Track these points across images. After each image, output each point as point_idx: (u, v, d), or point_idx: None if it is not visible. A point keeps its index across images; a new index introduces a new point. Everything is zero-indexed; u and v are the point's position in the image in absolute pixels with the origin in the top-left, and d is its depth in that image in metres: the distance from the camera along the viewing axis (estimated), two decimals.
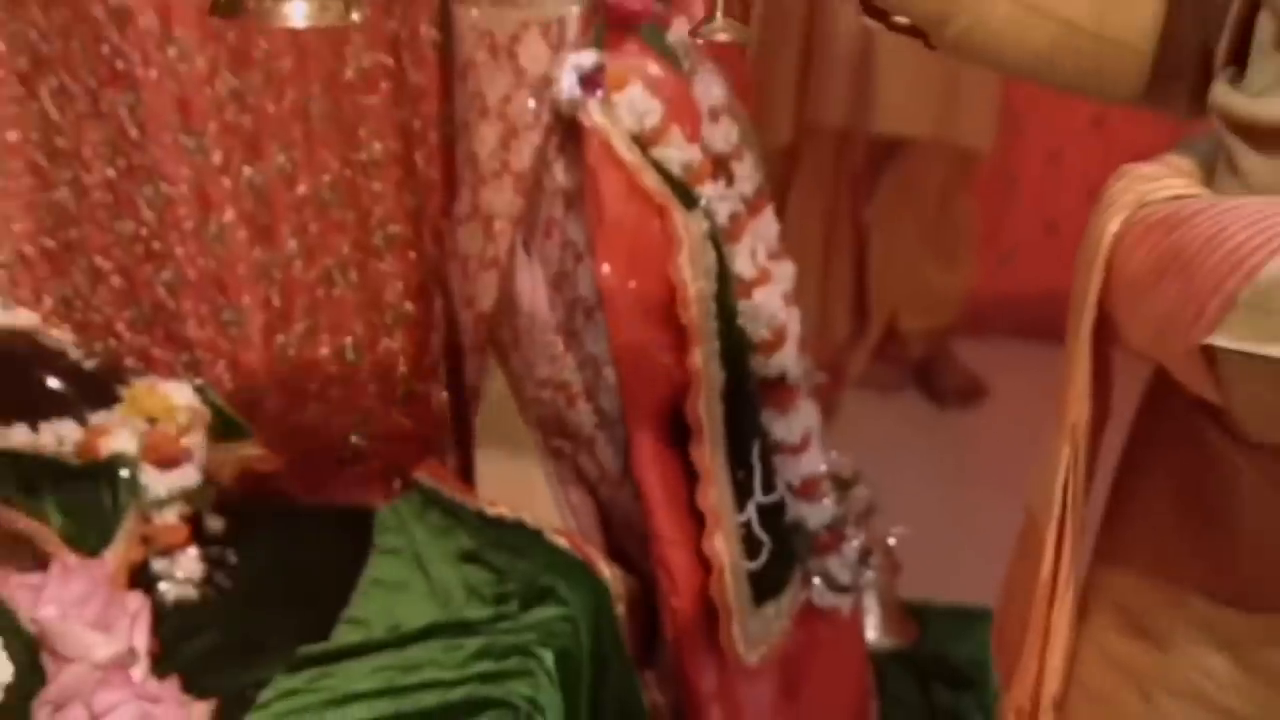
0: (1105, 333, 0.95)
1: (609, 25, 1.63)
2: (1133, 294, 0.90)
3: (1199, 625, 0.96)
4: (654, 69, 1.63)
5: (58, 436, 1.69)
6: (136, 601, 1.51)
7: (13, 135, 1.87)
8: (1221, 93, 0.92)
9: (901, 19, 1.08)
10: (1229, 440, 0.90)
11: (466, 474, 1.83)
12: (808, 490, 1.77)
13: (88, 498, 1.66)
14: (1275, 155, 0.87)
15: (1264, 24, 0.89)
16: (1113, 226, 0.91)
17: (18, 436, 1.70)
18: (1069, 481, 0.98)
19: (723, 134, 1.69)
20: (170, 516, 1.67)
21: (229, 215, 1.85)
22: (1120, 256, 0.90)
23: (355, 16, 1.09)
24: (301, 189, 1.87)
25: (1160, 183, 0.92)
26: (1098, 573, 1.06)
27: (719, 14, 1.01)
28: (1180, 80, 1.05)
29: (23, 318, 1.80)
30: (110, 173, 1.87)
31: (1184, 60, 1.04)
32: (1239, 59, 0.93)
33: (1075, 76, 1.11)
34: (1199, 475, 0.96)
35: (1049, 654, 1.01)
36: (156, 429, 1.69)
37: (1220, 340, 0.79)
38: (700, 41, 1.72)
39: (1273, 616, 0.92)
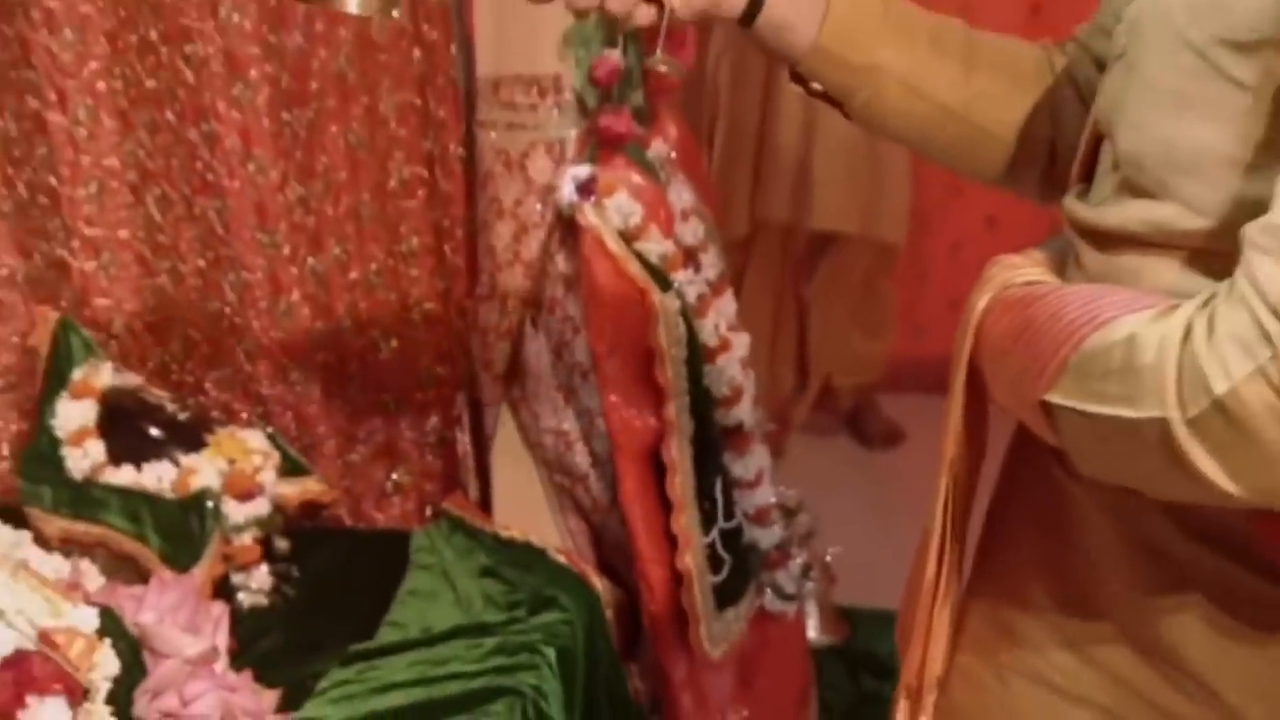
0: (976, 387, 0.96)
1: (601, 145, 1.63)
2: (994, 356, 0.92)
3: (1048, 625, 0.97)
4: (636, 179, 1.64)
5: (157, 475, 1.70)
6: (218, 609, 1.54)
7: (124, 234, 1.88)
8: (1071, 203, 0.94)
9: (818, 86, 1.11)
10: (1068, 475, 0.91)
11: (485, 505, 1.83)
12: (760, 518, 1.78)
13: (180, 525, 1.67)
14: (1109, 252, 0.89)
15: (1106, 150, 0.91)
16: (981, 302, 0.92)
17: (125, 475, 1.71)
18: (948, 505, 0.99)
19: (691, 231, 1.71)
20: (246, 539, 1.69)
21: (295, 295, 1.86)
22: (986, 326, 0.92)
23: (395, 14, 1.15)
24: (353, 274, 1.88)
25: (1021, 270, 0.93)
26: (975, 579, 1.07)
27: (660, 50, 1.06)
28: (1033, 169, 1.09)
29: (130, 379, 1.80)
30: (201, 263, 1.89)
31: (1037, 153, 1.09)
32: (1087, 176, 0.95)
33: (948, 153, 1.14)
34: (1050, 503, 0.97)
35: (933, 643, 1.02)
36: (235, 468, 1.71)
37: (1054, 398, 0.82)
38: (672, 156, 1.75)
39: (1105, 622, 0.94)
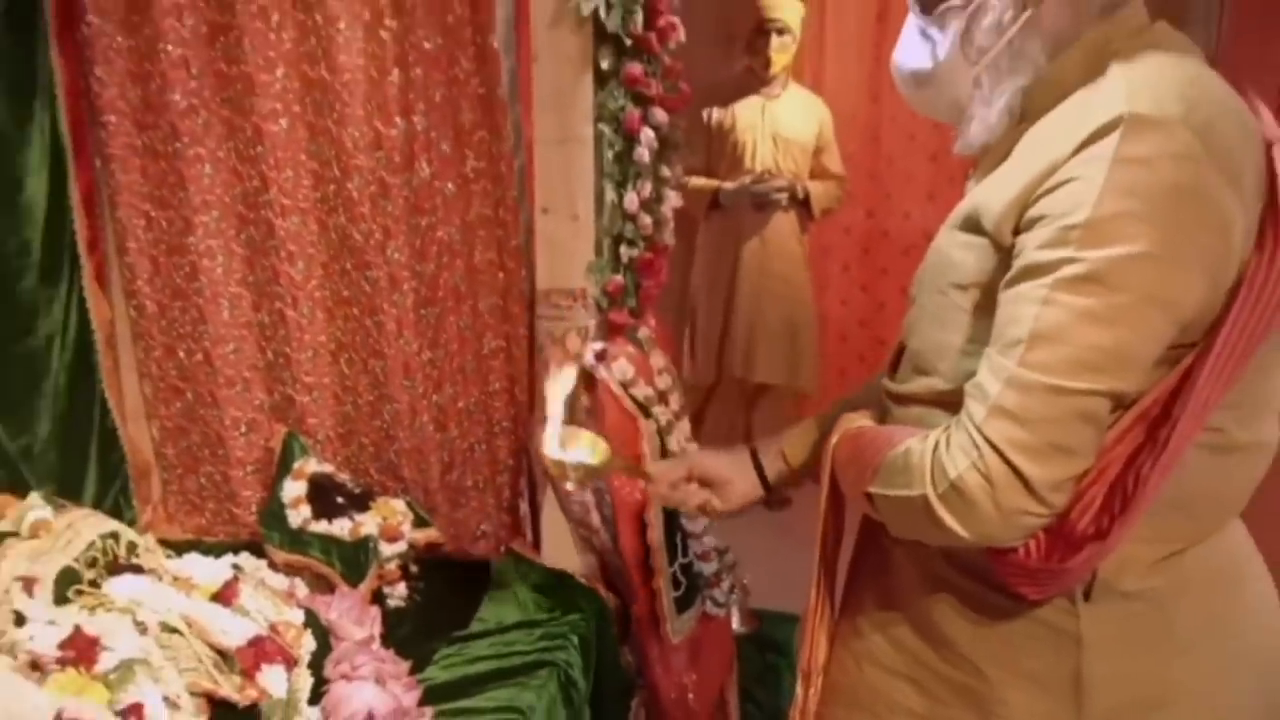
0: (835, 488, 0.96)
1: (609, 330, 1.67)
2: (841, 468, 0.92)
3: (876, 626, 0.96)
4: (630, 350, 1.68)
5: (341, 527, 1.73)
6: (374, 610, 1.56)
7: (326, 380, 1.86)
8: (886, 382, 0.96)
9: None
10: (887, 537, 0.91)
11: (537, 546, 1.81)
12: (704, 556, 1.79)
13: (354, 557, 1.69)
14: (904, 406, 0.91)
15: (906, 354, 0.94)
16: (834, 439, 0.94)
17: (322, 526, 1.73)
18: (823, 557, 1.00)
19: (664, 381, 1.73)
20: (392, 566, 1.70)
21: (425, 418, 1.83)
22: (837, 453, 0.93)
23: (589, 485, 1.12)
24: (460, 404, 1.85)
25: (857, 420, 0.95)
26: (844, 598, 1.04)
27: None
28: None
29: (327, 467, 1.82)
30: (370, 398, 1.86)
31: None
32: (894, 368, 0.97)
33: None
34: (880, 554, 0.96)
35: (817, 643, 1.00)
36: (387, 522, 1.72)
37: (872, 489, 0.84)
38: (652, 336, 1.74)
39: (906, 624, 0.92)
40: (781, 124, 2.78)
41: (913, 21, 0.85)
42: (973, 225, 0.80)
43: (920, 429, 0.84)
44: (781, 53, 2.72)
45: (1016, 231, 0.76)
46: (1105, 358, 0.72)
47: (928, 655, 0.91)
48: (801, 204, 2.82)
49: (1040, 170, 0.74)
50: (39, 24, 1.64)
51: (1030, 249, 0.74)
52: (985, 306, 0.79)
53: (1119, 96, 0.72)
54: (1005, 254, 0.77)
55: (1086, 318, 0.71)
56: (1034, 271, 0.73)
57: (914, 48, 0.85)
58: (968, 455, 0.74)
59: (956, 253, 0.82)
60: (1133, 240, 0.69)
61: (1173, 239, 0.70)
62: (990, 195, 0.79)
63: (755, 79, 2.80)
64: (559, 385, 1.15)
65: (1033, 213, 0.74)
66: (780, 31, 2.70)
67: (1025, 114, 0.81)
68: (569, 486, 1.14)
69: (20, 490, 1.38)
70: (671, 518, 1.69)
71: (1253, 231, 0.73)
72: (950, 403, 0.82)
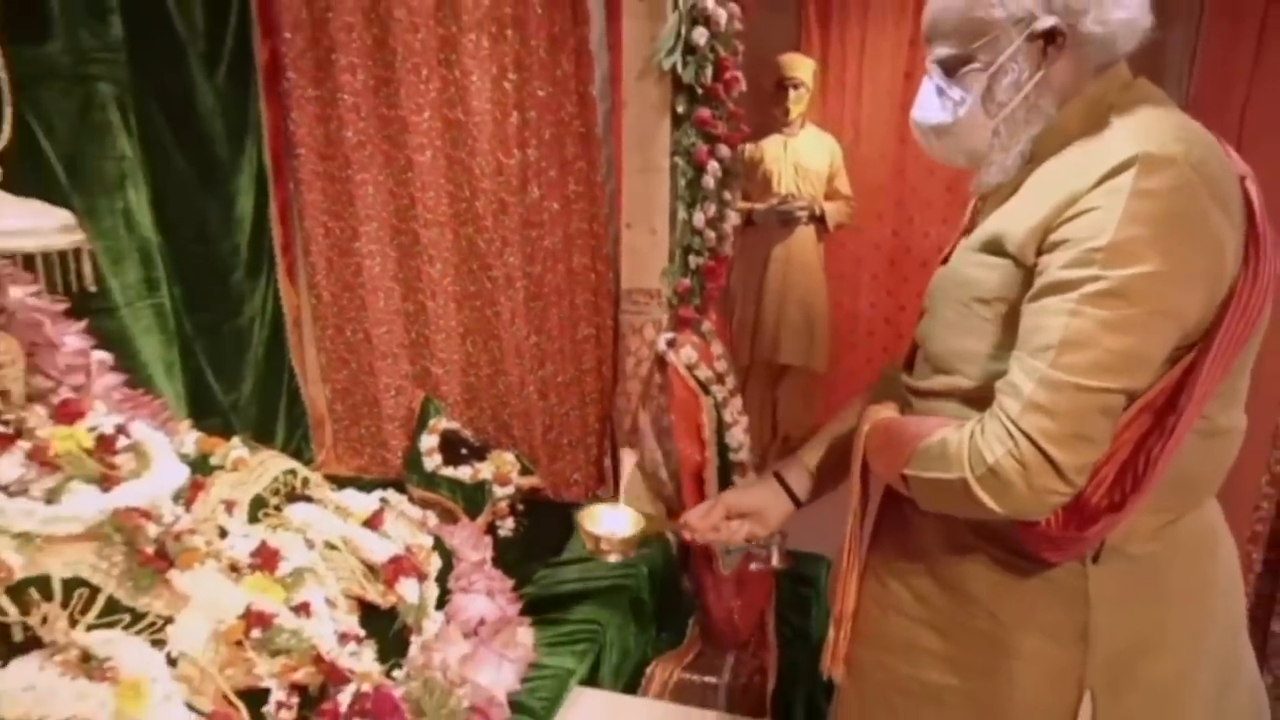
0: (866, 466, 0.90)
1: (679, 323, 1.62)
2: (874, 453, 0.86)
3: (899, 578, 0.89)
4: (695, 339, 1.63)
5: (463, 472, 1.73)
6: (487, 538, 1.54)
7: (455, 357, 1.83)
8: (905, 378, 0.90)
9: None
10: (912, 508, 0.85)
11: (617, 494, 1.75)
12: None
13: (473, 495, 1.69)
14: (924, 400, 0.85)
15: (920, 353, 0.88)
16: (867, 426, 0.88)
17: (449, 471, 1.73)
18: (859, 515, 0.92)
19: (721, 365, 1.66)
20: (502, 504, 1.69)
21: (530, 389, 1.80)
22: (870, 437, 0.87)
23: (631, 554, 1.01)
24: (560, 378, 1.83)
25: (884, 411, 0.86)
26: (870, 554, 0.96)
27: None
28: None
29: (454, 424, 1.81)
30: (488, 372, 1.84)
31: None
32: (910, 365, 0.91)
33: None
34: (903, 519, 0.90)
35: (848, 589, 0.93)
36: (499, 470, 1.71)
37: (908, 471, 0.79)
38: (712, 328, 1.66)
39: (928, 577, 0.86)
40: (801, 156, 2.83)
41: (930, 82, 0.80)
42: (994, 248, 0.76)
43: (943, 418, 0.80)
44: (798, 103, 2.77)
45: (1039, 253, 0.73)
46: (1124, 361, 0.69)
47: (949, 606, 0.85)
48: (818, 220, 2.86)
49: (1060, 201, 0.71)
50: (251, 80, 1.73)
51: (1055, 268, 0.71)
52: (1009, 317, 0.76)
53: (1130, 139, 0.70)
54: (1027, 272, 0.74)
55: (1108, 327, 0.68)
56: (1061, 287, 0.70)
57: (932, 105, 0.80)
58: (1004, 444, 0.71)
59: (978, 271, 0.78)
60: (1147, 261, 0.67)
61: (1179, 260, 0.68)
62: (1010, 223, 0.75)
63: (778, 121, 2.86)
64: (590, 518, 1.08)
65: (1055, 237, 0.71)
66: (796, 86, 2.75)
67: (1033, 156, 0.78)
68: (612, 559, 1.06)
69: (227, 434, 1.42)
70: (725, 478, 1.63)
71: (1239, 252, 0.71)
72: (973, 398, 0.78)
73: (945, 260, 0.86)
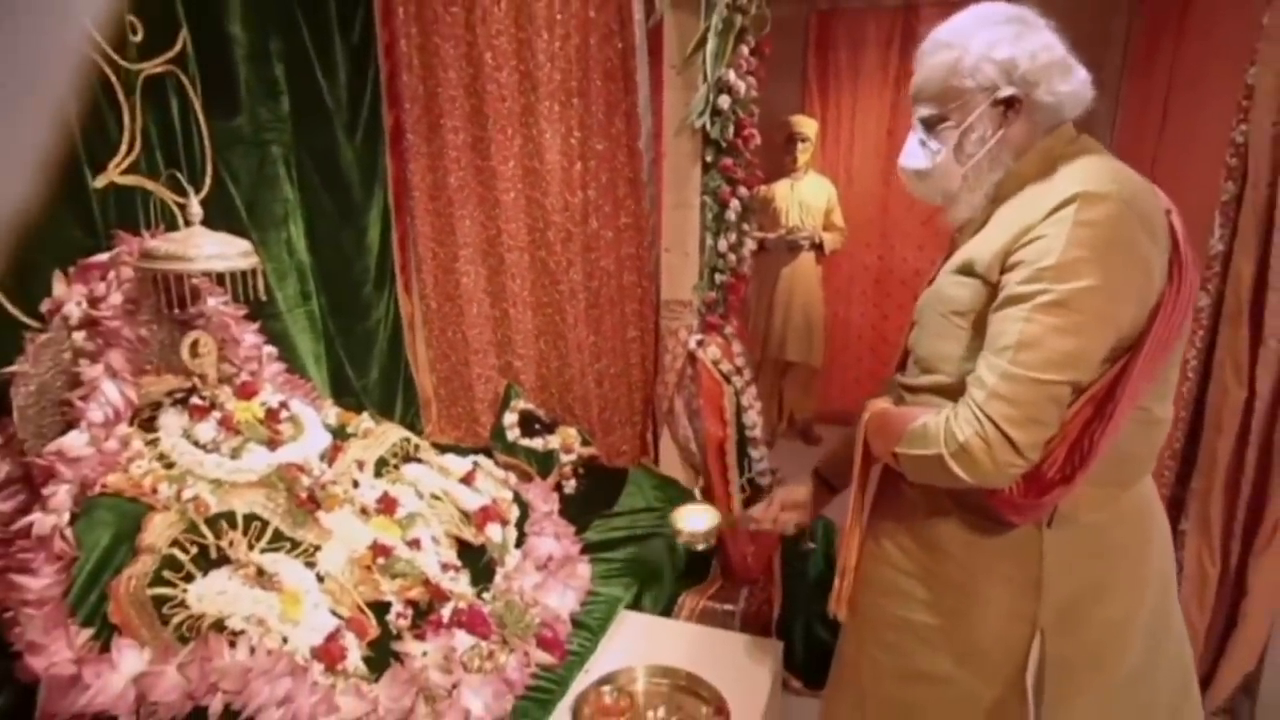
0: (866, 448, 0.85)
1: (706, 327, 1.59)
2: (873, 435, 0.83)
3: (889, 536, 0.85)
4: (719, 339, 1.59)
5: (537, 443, 1.72)
6: (555, 494, 1.54)
7: (531, 351, 1.81)
8: (898, 377, 0.86)
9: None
10: (902, 479, 0.81)
11: (656, 462, 1.73)
12: (762, 474, 1.63)
13: (545, 461, 1.69)
14: (914, 394, 0.81)
15: (911, 358, 0.83)
16: (866, 415, 0.85)
17: (526, 442, 1.73)
18: (862, 486, 0.87)
19: (741, 359, 1.62)
20: (567, 468, 1.68)
21: (588, 378, 1.77)
22: (869, 423, 0.84)
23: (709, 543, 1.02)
24: (612, 370, 1.79)
25: (880, 402, 0.86)
26: (870, 518, 0.89)
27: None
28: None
29: (530, 405, 1.80)
30: (556, 364, 1.80)
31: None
32: (902, 366, 0.87)
33: None
34: (896, 489, 0.85)
35: (851, 548, 0.88)
36: (564, 441, 1.70)
37: (898, 449, 0.76)
38: (733, 332, 1.61)
39: (910, 535, 0.82)
40: (804, 196, 2.87)
41: (915, 136, 0.80)
42: (967, 270, 0.75)
43: (929, 409, 0.78)
44: (803, 153, 2.83)
45: (1001, 272, 0.72)
46: (1069, 359, 0.68)
47: (930, 561, 0.82)
48: (818, 247, 2.90)
49: (1017, 231, 0.71)
50: (380, 140, 1.78)
51: (1013, 284, 0.70)
52: (978, 325, 0.74)
53: (1073, 181, 0.69)
54: (992, 289, 0.73)
55: (1056, 331, 0.68)
56: (1017, 299, 0.70)
57: (915, 154, 0.80)
58: (972, 425, 0.70)
59: (954, 290, 0.77)
60: (1087, 277, 0.67)
61: (1113, 276, 0.67)
62: (979, 250, 0.74)
63: (787, 168, 2.89)
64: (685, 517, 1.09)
65: (1013, 259, 0.71)
66: (802, 140, 2.82)
67: (997, 197, 0.77)
68: (699, 548, 1.08)
69: (359, 410, 1.46)
70: (742, 449, 1.60)
71: (1165, 271, 0.70)
72: (951, 392, 0.77)
73: (931, 282, 0.84)
